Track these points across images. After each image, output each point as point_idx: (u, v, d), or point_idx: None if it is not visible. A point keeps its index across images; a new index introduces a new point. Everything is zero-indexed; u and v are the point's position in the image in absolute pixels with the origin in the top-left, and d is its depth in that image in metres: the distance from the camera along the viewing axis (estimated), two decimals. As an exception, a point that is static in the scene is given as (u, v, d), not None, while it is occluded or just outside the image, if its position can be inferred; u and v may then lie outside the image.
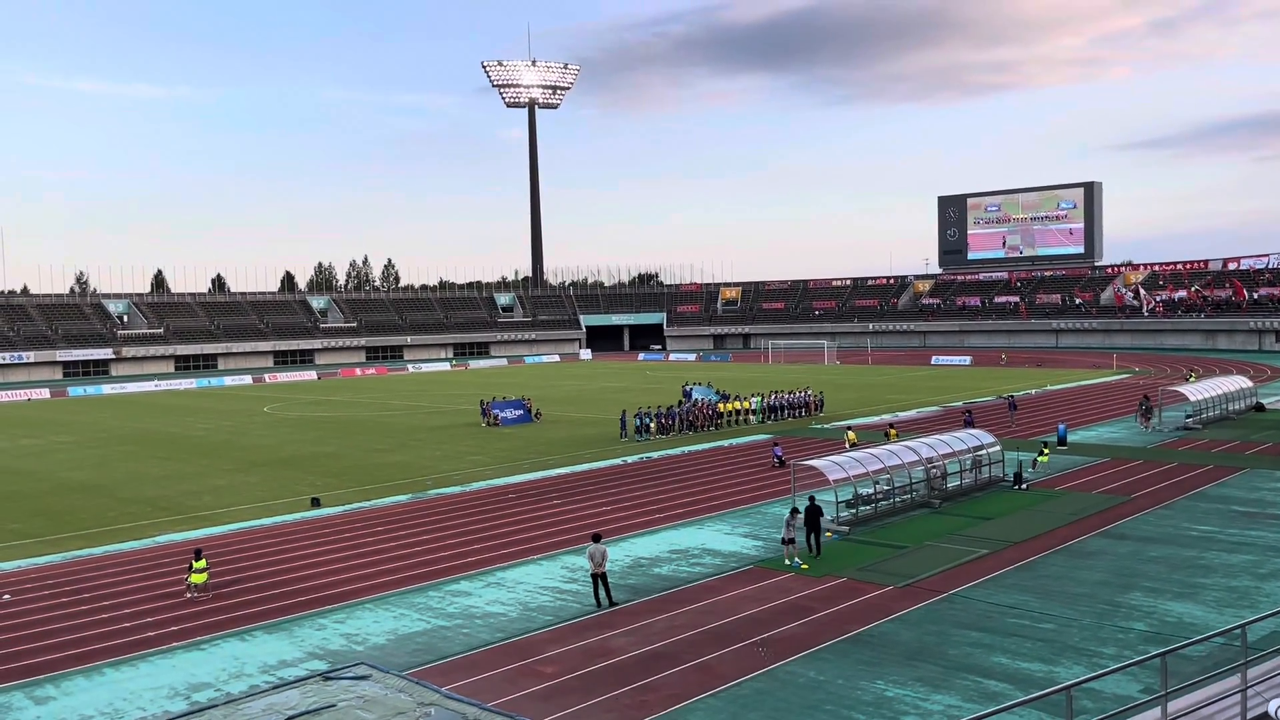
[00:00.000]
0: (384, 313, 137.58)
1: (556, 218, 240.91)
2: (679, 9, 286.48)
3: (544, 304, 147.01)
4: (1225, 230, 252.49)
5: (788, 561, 23.89)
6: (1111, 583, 21.99)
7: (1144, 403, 48.59)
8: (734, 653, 18.11)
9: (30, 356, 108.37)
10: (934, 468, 31.61)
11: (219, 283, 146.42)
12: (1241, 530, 26.48)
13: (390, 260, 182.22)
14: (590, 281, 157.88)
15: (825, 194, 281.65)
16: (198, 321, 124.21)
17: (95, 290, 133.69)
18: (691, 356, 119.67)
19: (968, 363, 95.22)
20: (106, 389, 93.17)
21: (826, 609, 20.65)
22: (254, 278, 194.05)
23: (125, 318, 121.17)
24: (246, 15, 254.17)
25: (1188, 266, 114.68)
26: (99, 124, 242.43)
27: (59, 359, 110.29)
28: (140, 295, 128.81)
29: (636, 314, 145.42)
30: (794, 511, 25.07)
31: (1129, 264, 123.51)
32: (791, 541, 24.12)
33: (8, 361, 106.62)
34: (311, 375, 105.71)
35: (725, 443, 45.88)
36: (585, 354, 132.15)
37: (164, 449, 49.75)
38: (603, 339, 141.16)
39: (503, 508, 32.19)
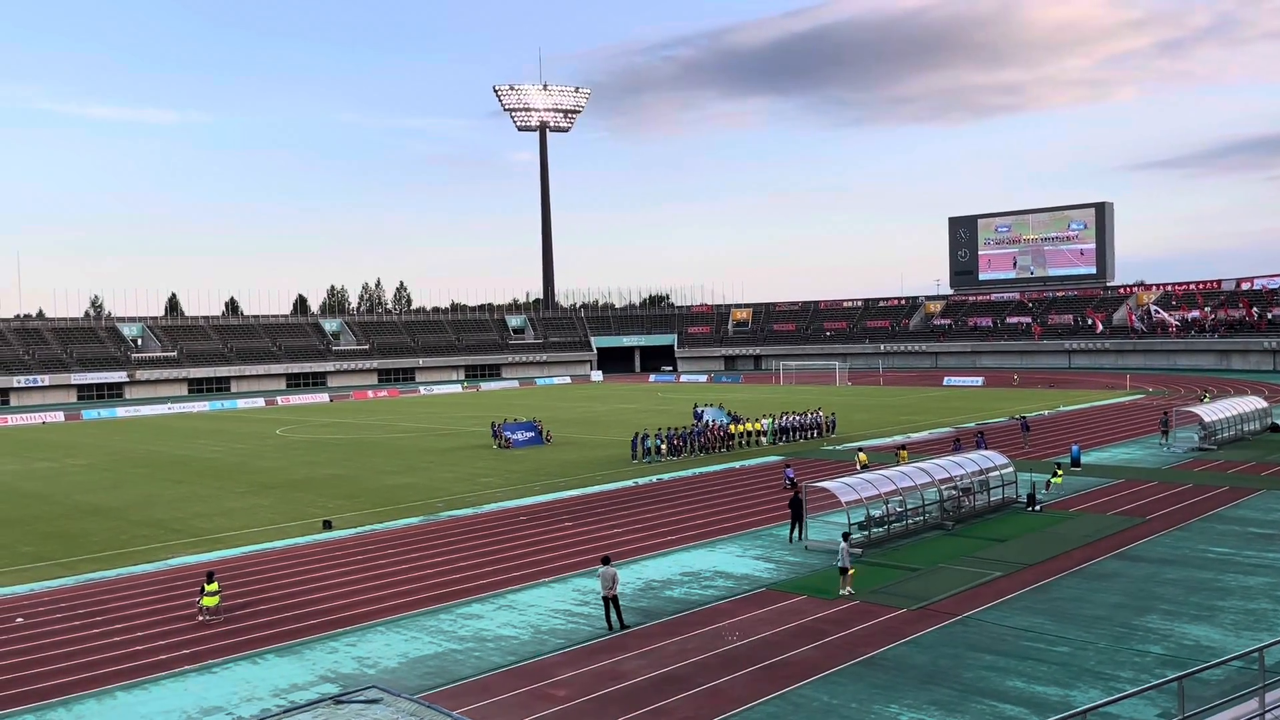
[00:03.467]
0: (396, 335, 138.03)
1: (567, 240, 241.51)
2: (687, 33, 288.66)
3: (555, 326, 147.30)
4: (1238, 250, 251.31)
5: (842, 591, 23.17)
6: (1127, 605, 21.81)
7: (1166, 420, 48.51)
8: (746, 676, 18.00)
9: (45, 379, 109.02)
10: (952, 488, 31.50)
11: (232, 306, 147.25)
12: (1259, 552, 26.25)
13: (402, 283, 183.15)
14: (601, 303, 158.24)
15: (835, 215, 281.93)
16: (211, 344, 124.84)
17: (110, 314, 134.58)
18: (703, 378, 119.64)
19: (980, 383, 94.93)
20: (120, 412, 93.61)
21: (839, 632, 20.53)
22: (267, 300, 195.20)
23: (139, 341, 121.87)
24: (258, 40, 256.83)
25: (1201, 286, 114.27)
26: (112, 149, 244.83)
27: (73, 382, 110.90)
28: (154, 318, 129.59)
29: (647, 335, 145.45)
30: (846, 536, 24.58)
31: (1141, 284, 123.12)
32: (846, 571, 23.32)
33: (23, 385, 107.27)
34: (324, 397, 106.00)
35: (737, 464, 45.77)
36: (596, 376, 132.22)
37: (177, 471, 49.91)
38: (614, 360, 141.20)
39: (514, 530, 32.15)
